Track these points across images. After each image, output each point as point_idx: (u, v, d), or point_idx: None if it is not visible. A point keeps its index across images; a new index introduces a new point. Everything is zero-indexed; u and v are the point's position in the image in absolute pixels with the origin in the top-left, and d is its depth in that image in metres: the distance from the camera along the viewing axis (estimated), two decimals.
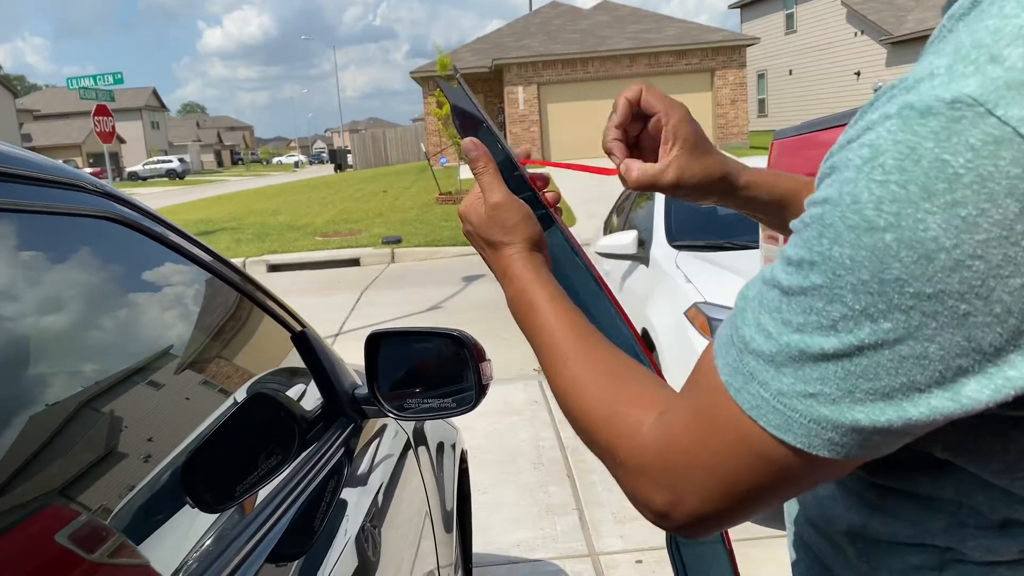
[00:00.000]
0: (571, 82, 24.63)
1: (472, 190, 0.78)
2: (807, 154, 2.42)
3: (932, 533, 0.55)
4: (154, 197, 30.16)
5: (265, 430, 1.21)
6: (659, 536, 3.06)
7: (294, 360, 1.41)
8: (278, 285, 9.42)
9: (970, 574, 0.54)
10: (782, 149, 2.47)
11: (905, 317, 0.42)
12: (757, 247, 2.61)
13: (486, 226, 0.75)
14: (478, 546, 2.86)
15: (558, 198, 0.86)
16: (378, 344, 1.37)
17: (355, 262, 10.68)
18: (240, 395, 1.19)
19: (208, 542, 0.92)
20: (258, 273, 10.71)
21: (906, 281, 0.41)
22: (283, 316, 1.36)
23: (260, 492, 1.08)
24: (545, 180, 0.84)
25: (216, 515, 0.98)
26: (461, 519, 2.19)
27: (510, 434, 4.28)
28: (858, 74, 26.43)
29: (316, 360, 1.38)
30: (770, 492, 0.51)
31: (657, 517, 0.56)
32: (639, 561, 2.93)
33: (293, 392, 1.38)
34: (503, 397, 4.78)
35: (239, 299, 1.29)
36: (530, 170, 0.84)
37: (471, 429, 4.14)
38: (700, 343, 3.20)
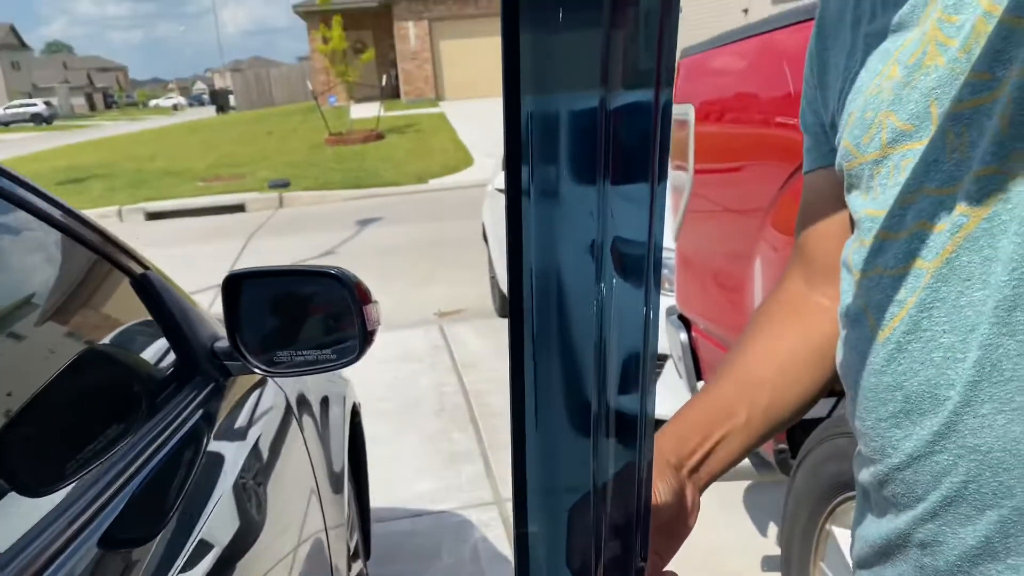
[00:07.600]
0: (463, 18, 24.02)
1: None
2: (710, 81, 2.28)
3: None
4: (15, 144, 27.87)
5: (99, 395, 0.99)
6: None
7: (141, 310, 1.18)
8: (158, 235, 8.80)
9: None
10: (688, 70, 2.32)
11: None
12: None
13: None
14: (378, 501, 2.70)
15: None
16: (239, 287, 1.15)
17: (240, 208, 10.13)
18: (67, 356, 0.97)
19: (29, 528, 0.76)
20: (135, 222, 10.02)
21: None
22: (120, 259, 1.13)
23: (96, 469, 0.88)
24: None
25: (42, 498, 0.80)
26: (355, 477, 2.01)
27: (411, 381, 4.11)
28: (746, 11, 26.84)
29: (163, 308, 1.15)
30: None
31: None
32: None
33: (137, 348, 1.16)
34: (403, 343, 4.60)
35: (62, 239, 1.04)
36: None
37: (368, 381, 3.94)
38: None
